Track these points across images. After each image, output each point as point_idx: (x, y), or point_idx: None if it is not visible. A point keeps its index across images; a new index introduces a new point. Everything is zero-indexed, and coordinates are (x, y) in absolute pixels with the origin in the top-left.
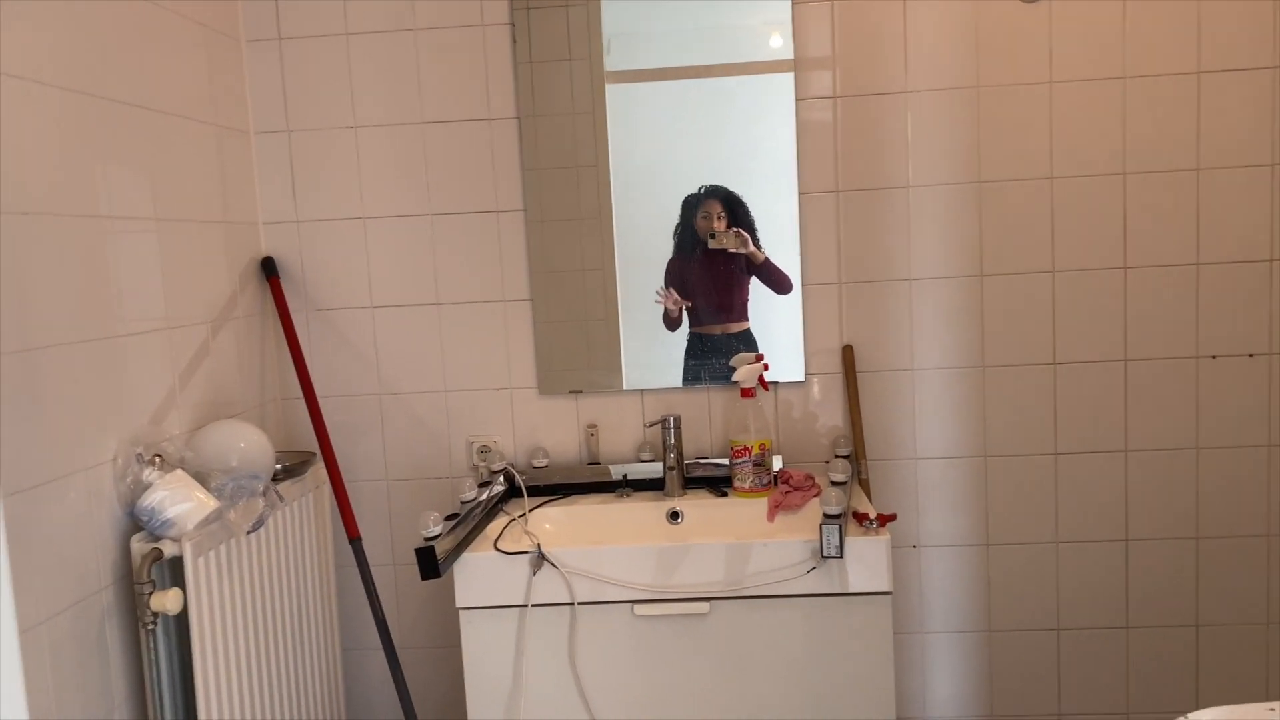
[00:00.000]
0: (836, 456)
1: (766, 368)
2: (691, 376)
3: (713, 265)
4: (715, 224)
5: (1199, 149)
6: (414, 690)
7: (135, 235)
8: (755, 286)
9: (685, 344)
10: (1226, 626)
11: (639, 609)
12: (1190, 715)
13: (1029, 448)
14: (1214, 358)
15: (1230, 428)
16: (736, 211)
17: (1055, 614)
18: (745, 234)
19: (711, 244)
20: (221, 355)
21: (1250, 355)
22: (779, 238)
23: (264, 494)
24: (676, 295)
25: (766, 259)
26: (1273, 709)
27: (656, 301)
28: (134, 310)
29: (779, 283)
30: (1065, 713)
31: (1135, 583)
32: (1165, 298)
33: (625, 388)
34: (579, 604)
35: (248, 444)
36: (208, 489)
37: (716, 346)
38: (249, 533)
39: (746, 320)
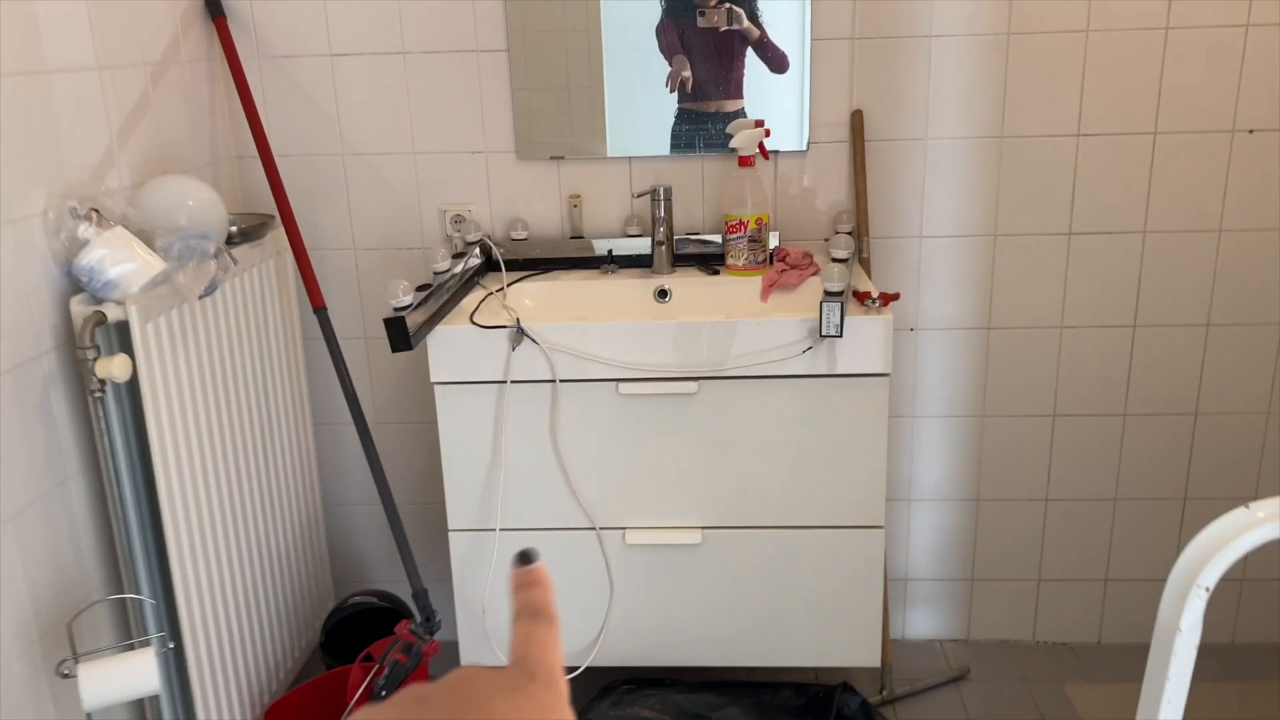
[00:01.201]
0: (838, 233)
1: (768, 133)
2: (681, 149)
3: (707, 34)
4: None
5: None
6: (390, 464)
7: None
8: (751, 63)
9: (672, 120)
10: (1224, 415)
11: (624, 388)
12: (1253, 505)
13: (1042, 226)
14: (1251, 132)
15: (1257, 208)
16: None
17: (1052, 401)
18: (738, 9)
19: (701, 23)
20: (165, 105)
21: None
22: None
23: (216, 256)
24: (685, 67)
25: (763, 34)
26: None
27: (665, 83)
28: (56, 43)
29: (776, 60)
30: (1053, 497)
31: (1137, 371)
32: (1204, 69)
33: (610, 154)
34: (561, 381)
35: (197, 201)
36: (153, 249)
37: (708, 125)
38: (201, 297)
39: (741, 98)
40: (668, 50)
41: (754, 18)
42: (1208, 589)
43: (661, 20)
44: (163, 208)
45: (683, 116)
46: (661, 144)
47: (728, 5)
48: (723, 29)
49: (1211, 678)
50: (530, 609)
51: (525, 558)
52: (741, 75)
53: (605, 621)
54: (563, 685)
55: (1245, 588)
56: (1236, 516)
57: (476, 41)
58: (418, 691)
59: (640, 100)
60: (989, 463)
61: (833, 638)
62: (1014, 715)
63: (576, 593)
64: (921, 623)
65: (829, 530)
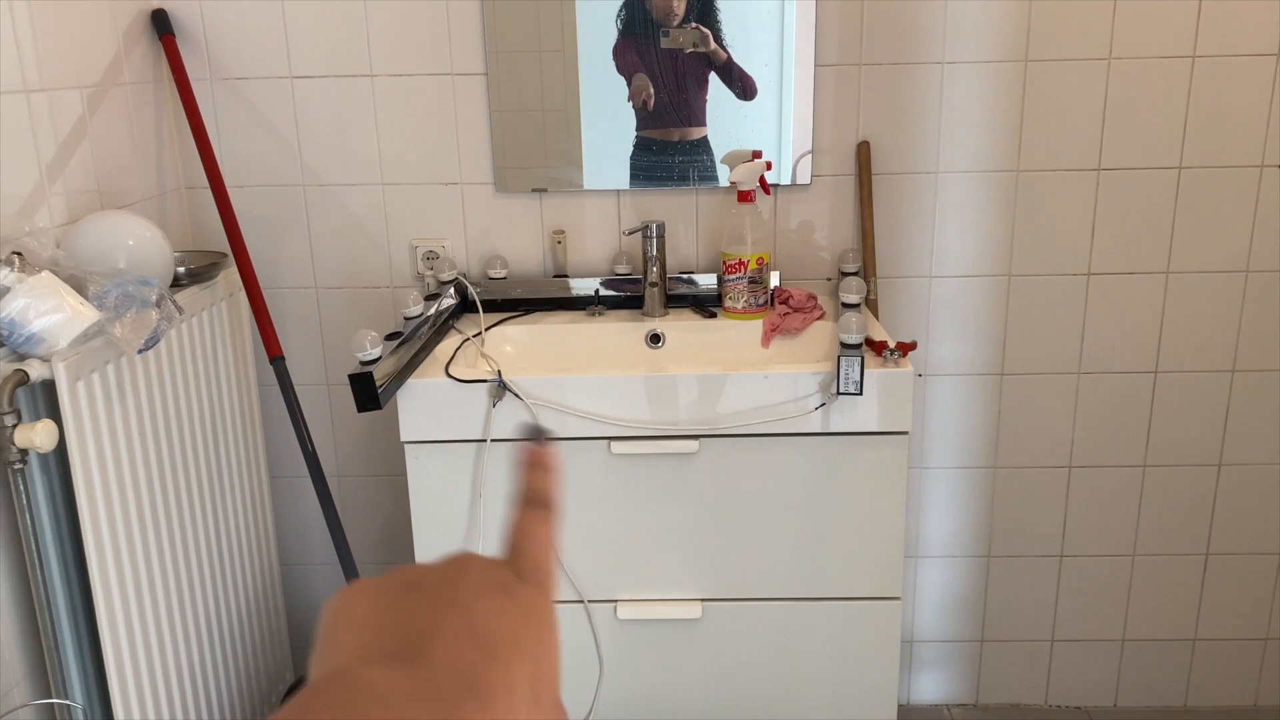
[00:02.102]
0: (844, 274)
1: (769, 166)
2: (641, 181)
3: (670, 56)
4: (674, 4)
5: None
6: (355, 520)
7: None
8: (715, 89)
9: (631, 150)
10: (1249, 466)
11: (616, 446)
12: None
13: (1059, 266)
14: (1279, 167)
15: None
16: None
17: (1069, 451)
18: (706, 30)
19: (665, 43)
20: (105, 132)
21: None
22: (751, 24)
23: (158, 304)
24: (649, 84)
25: (729, 58)
26: None
27: (629, 100)
28: None
29: (743, 86)
30: (1068, 553)
31: (1159, 419)
32: (1233, 98)
33: (588, 186)
34: (547, 440)
35: (138, 241)
36: (85, 297)
37: (670, 154)
38: (141, 351)
39: (705, 125)
40: (626, 72)
41: (719, 40)
42: None
43: (618, 41)
44: (98, 249)
45: (642, 145)
46: (644, 177)
47: (694, 25)
48: (688, 50)
49: None
50: (534, 495)
51: (537, 432)
52: (705, 100)
53: (594, 704)
54: (551, 588)
55: (1198, 648)
56: None
57: (451, 64)
58: (410, 575)
59: (625, 130)
60: (1000, 517)
61: (845, 716)
62: None
63: (563, 672)
64: (928, 687)
65: (842, 602)
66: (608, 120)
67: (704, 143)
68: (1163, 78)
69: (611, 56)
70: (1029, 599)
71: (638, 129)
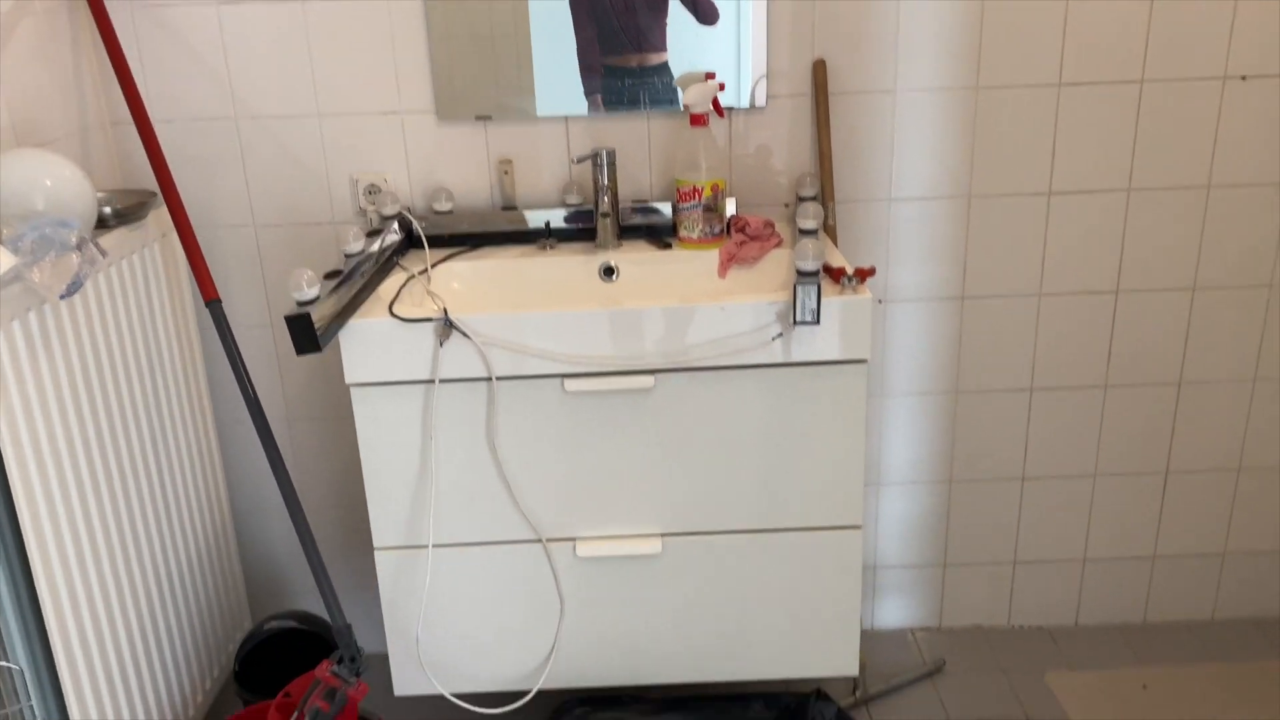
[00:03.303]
0: (801, 199)
1: (722, 87)
2: (598, 109)
3: None
4: None
5: None
6: (308, 467)
7: None
8: (675, 12)
9: (585, 77)
10: (1211, 384)
11: (570, 384)
12: None
13: (1019, 186)
14: (1244, 79)
15: (1250, 162)
16: None
17: (1030, 374)
18: None
19: None
20: (16, 64)
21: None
22: None
23: (79, 247)
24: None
25: None
26: None
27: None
28: None
29: (704, 10)
30: (1029, 475)
31: (1119, 340)
32: (1193, 16)
33: (541, 114)
34: (497, 379)
35: (55, 180)
36: (0, 240)
37: (628, 79)
38: (63, 297)
39: (665, 50)
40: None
41: None
42: None
43: None
44: (14, 190)
45: (599, 71)
46: (618, 101)
47: None
48: None
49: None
50: None
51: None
52: (665, 24)
53: (556, 641)
54: None
55: (1157, 565)
56: None
57: None
58: None
59: (568, 52)
60: (961, 442)
61: (807, 647)
62: (995, 710)
63: (523, 611)
64: (892, 612)
65: (802, 533)
66: (560, 44)
67: (664, 68)
68: None
69: None
70: (991, 522)
71: (598, 55)
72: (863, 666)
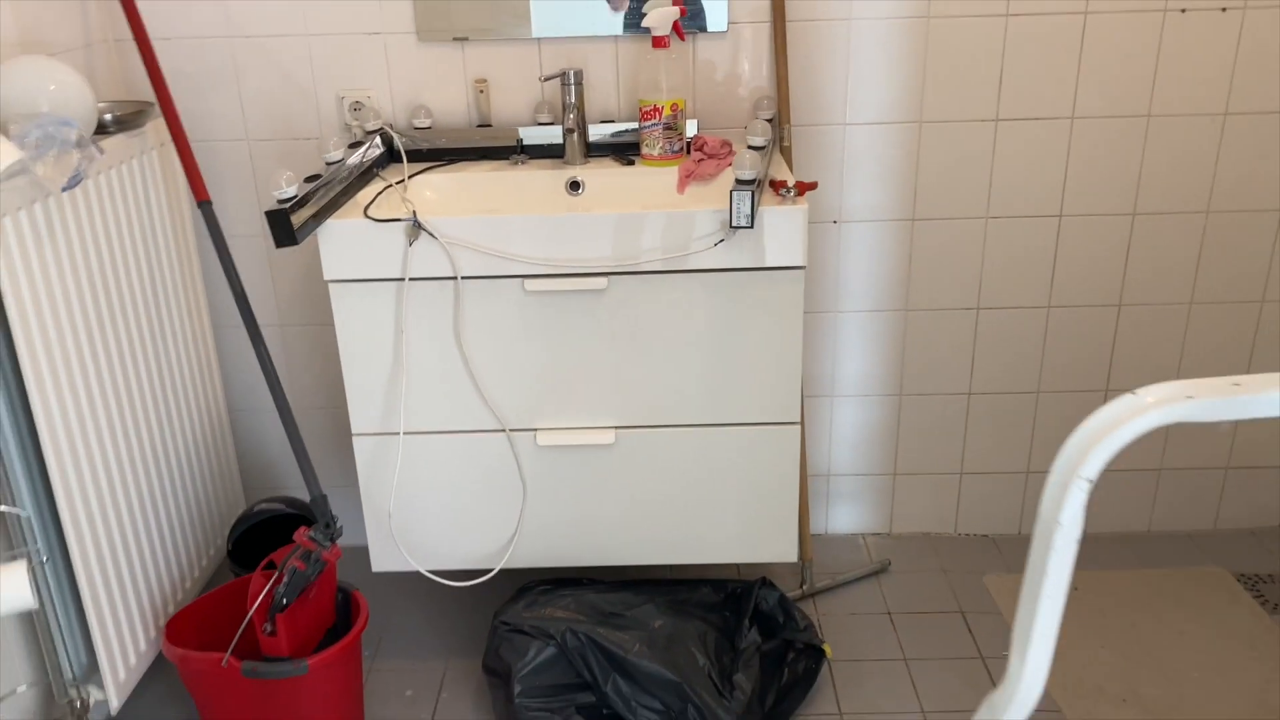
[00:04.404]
0: (757, 119)
1: (684, 12)
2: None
3: None
4: None
5: None
6: (298, 367)
7: None
8: None
9: None
10: (1150, 306)
11: (530, 284)
12: (1140, 391)
13: (968, 112)
14: (1183, 11)
15: (1188, 92)
16: None
17: (976, 294)
18: None
19: None
20: None
21: (1223, 10)
22: None
23: (79, 145)
24: None
25: None
26: (1238, 383)
27: None
28: None
29: None
30: (975, 390)
31: (1062, 262)
32: None
33: (530, 35)
34: (462, 278)
35: (59, 85)
36: (7, 137)
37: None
38: (65, 189)
39: None
40: None
41: None
42: (1090, 480)
43: None
44: (19, 92)
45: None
46: (586, 24)
47: None
48: None
49: (1125, 564)
50: None
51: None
52: None
53: (519, 524)
54: None
55: (1163, 477)
56: (1124, 403)
57: None
58: None
59: None
60: (912, 357)
61: (750, 534)
62: (932, 606)
63: (489, 495)
64: (844, 518)
65: (744, 427)
66: None
67: None
68: None
69: None
70: (939, 434)
71: None
72: (810, 562)
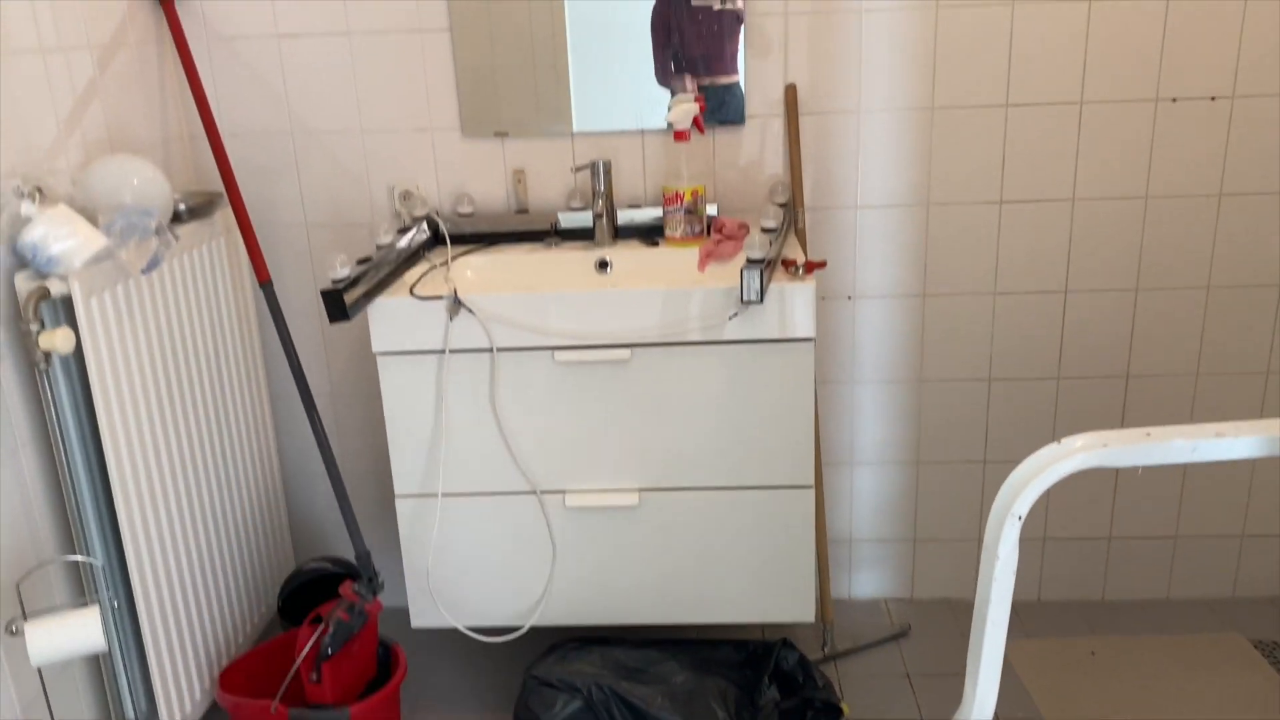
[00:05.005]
0: (773, 204)
1: (703, 108)
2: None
3: (702, 10)
4: None
5: None
6: (348, 435)
7: None
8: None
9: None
10: (1158, 378)
11: (559, 355)
12: (1065, 440)
13: (973, 195)
14: (1174, 100)
15: (1183, 174)
16: None
17: (988, 365)
18: None
19: (695, 1)
20: (115, 87)
21: (1212, 99)
22: None
23: (158, 233)
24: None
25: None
26: (1149, 434)
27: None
28: (5, 29)
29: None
30: (990, 459)
31: (1069, 334)
32: (1128, 37)
33: (565, 130)
34: (498, 350)
35: (141, 179)
36: (96, 226)
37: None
38: (144, 272)
39: (736, 74)
40: (662, 29)
41: None
42: (1020, 517)
43: (657, 3)
44: (107, 186)
45: (679, 91)
46: (618, 119)
47: None
48: (716, 8)
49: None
50: None
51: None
52: (736, 50)
53: (549, 582)
54: None
55: (1113, 545)
56: (1049, 450)
57: (419, 21)
58: None
59: (600, 75)
60: (927, 426)
61: (768, 595)
62: (951, 669)
63: (520, 554)
64: (866, 583)
65: (760, 491)
66: (587, 69)
67: (735, 88)
68: (1063, 18)
69: (650, 16)
70: (957, 500)
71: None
72: (831, 625)
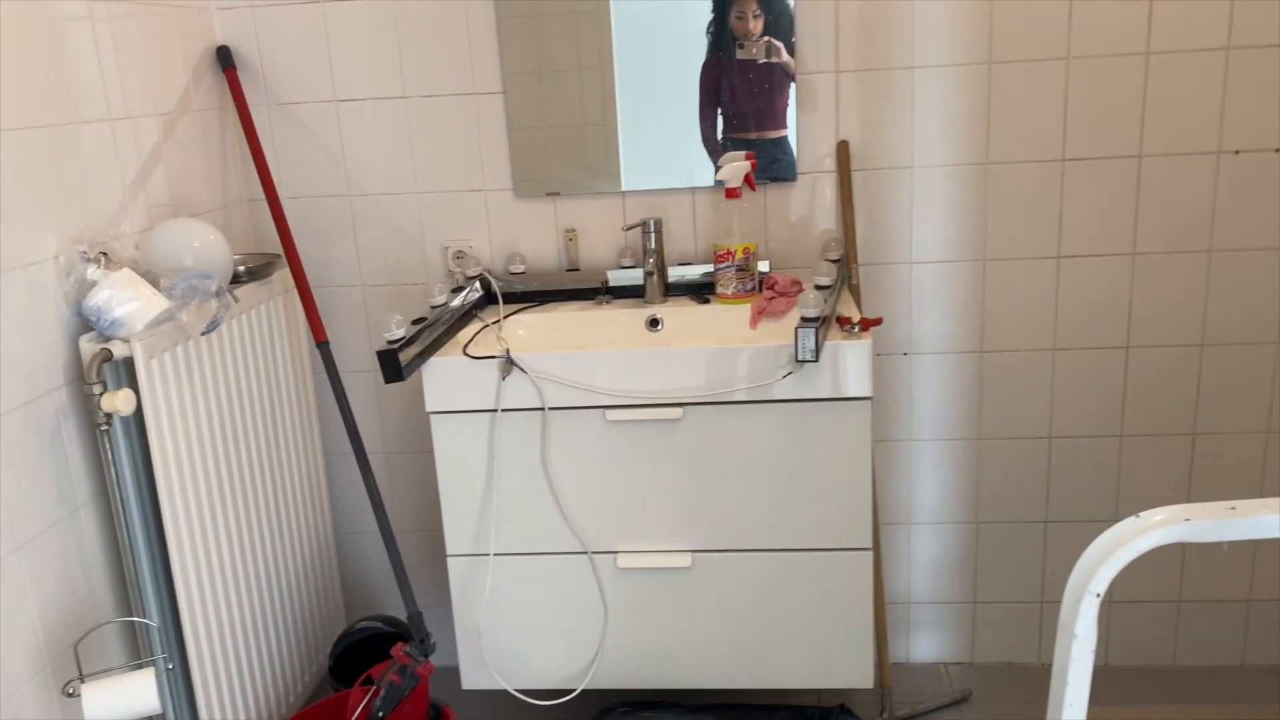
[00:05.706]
0: (826, 260)
1: (754, 166)
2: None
3: (751, 66)
4: (749, 24)
5: None
6: (401, 493)
7: (77, 21)
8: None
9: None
10: (1223, 435)
11: (611, 414)
12: (1144, 514)
13: (1030, 250)
14: (1237, 153)
15: (1247, 227)
16: (775, 8)
17: (1048, 423)
18: (777, 43)
19: (740, 55)
20: (178, 153)
21: (1276, 150)
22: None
23: (218, 295)
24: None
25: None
26: (1233, 508)
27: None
28: (76, 99)
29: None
30: (1052, 519)
31: (1132, 391)
32: (1187, 90)
33: (613, 189)
34: (549, 409)
35: (202, 243)
36: (158, 289)
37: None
38: (204, 334)
39: (784, 128)
40: (711, 86)
41: (792, 52)
42: (1098, 595)
43: (708, 57)
44: (169, 250)
45: (728, 145)
46: (668, 177)
47: (766, 39)
48: (761, 61)
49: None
50: None
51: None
52: (785, 105)
53: (600, 644)
54: None
55: (1182, 609)
56: (1127, 525)
57: (473, 85)
58: None
59: (649, 134)
60: (986, 485)
61: (825, 659)
62: None
63: (571, 615)
64: (925, 646)
65: (817, 553)
66: (637, 128)
67: (783, 142)
68: (1119, 72)
69: (700, 72)
70: (1017, 561)
71: (725, 131)
72: (890, 690)
